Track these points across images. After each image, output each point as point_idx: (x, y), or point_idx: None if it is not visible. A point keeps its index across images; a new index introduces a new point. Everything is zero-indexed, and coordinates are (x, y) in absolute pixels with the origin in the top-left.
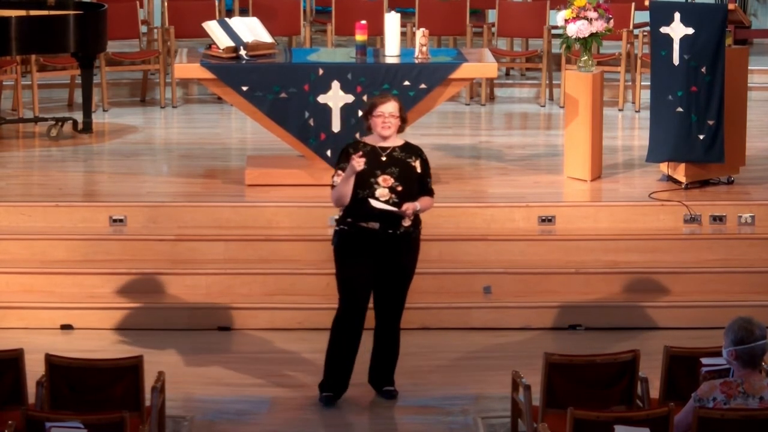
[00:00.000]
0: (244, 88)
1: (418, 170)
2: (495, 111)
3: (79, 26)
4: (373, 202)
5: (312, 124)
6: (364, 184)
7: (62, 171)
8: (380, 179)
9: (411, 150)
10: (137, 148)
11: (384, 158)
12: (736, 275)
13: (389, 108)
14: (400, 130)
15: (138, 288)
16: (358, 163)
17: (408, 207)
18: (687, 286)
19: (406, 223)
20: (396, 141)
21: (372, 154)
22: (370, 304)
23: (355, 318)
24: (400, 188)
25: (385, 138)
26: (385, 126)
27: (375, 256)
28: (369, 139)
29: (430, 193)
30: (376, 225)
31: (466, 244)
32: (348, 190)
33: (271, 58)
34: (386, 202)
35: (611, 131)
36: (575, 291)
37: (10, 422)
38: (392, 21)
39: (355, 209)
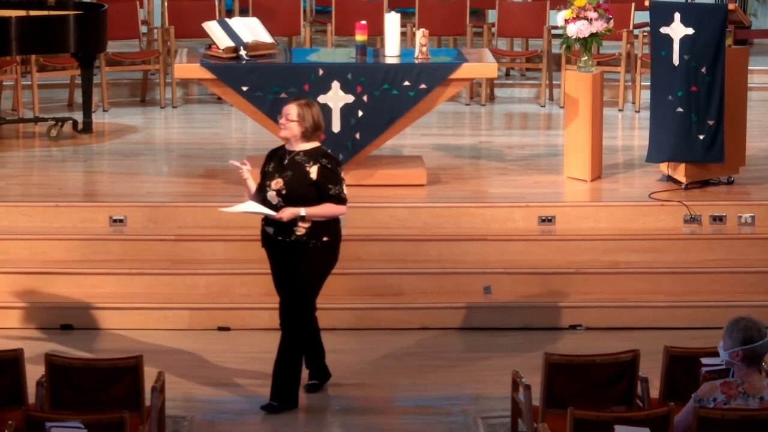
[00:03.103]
0: (244, 88)
1: (312, 176)
2: (495, 111)
3: (79, 26)
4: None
5: None
6: (262, 187)
7: (62, 171)
8: (273, 182)
9: (313, 155)
10: (137, 148)
11: (286, 161)
12: (736, 275)
13: (287, 110)
14: (307, 137)
15: (138, 288)
16: (239, 172)
17: (284, 212)
18: (687, 286)
19: (299, 231)
20: (304, 146)
21: (280, 157)
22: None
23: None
24: (284, 192)
25: (285, 140)
26: (280, 127)
27: (277, 260)
28: (288, 144)
29: (332, 200)
30: (271, 230)
31: (466, 244)
32: (249, 194)
33: (271, 58)
34: (275, 205)
35: (611, 131)
36: (575, 291)
37: (10, 422)
38: (392, 21)
39: None
